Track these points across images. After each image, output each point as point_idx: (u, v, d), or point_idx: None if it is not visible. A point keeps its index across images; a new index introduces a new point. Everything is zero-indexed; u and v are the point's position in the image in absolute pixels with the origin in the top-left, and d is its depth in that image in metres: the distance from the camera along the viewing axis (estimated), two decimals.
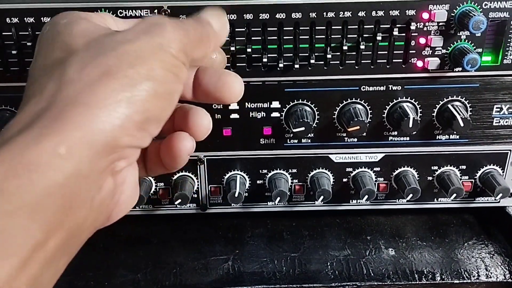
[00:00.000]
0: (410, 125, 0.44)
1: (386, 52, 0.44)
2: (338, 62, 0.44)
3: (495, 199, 0.50)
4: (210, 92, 0.32)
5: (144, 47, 0.26)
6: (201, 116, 0.33)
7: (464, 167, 0.49)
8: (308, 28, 0.43)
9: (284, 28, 0.42)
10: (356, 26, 0.43)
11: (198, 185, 0.50)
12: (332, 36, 0.43)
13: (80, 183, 0.24)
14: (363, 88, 0.45)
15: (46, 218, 0.23)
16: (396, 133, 0.47)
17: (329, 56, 0.43)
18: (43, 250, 0.23)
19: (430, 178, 0.50)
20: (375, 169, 0.49)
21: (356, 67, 0.44)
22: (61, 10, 0.41)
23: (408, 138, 0.48)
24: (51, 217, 0.23)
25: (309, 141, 0.48)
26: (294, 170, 0.49)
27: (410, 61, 0.44)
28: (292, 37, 0.43)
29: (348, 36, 0.43)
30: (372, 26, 0.43)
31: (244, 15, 0.42)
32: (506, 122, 0.47)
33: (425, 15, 0.42)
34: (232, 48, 0.42)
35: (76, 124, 0.24)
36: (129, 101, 0.25)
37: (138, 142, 0.26)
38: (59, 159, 0.23)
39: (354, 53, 0.44)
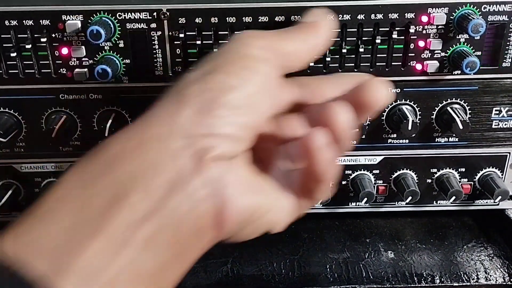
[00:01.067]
0: (409, 128, 0.44)
1: (385, 55, 0.44)
2: (337, 65, 0.44)
3: (494, 202, 0.49)
4: (349, 99, 0.32)
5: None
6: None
7: (463, 169, 0.49)
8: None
9: None
10: (355, 29, 0.43)
11: None
12: (330, 39, 0.43)
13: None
14: None
15: None
16: (395, 135, 0.47)
17: (328, 59, 0.43)
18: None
19: (429, 180, 0.50)
20: (374, 171, 0.49)
21: (355, 70, 0.44)
22: (60, 13, 0.41)
23: (407, 141, 0.48)
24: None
25: None
26: None
27: (409, 64, 0.44)
28: None
29: (347, 39, 0.43)
30: (371, 29, 0.43)
31: (244, 17, 0.42)
32: (505, 124, 0.47)
33: (424, 18, 0.42)
34: None
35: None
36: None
37: (213, 130, 0.28)
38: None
39: (353, 56, 0.44)
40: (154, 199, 0.26)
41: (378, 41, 0.43)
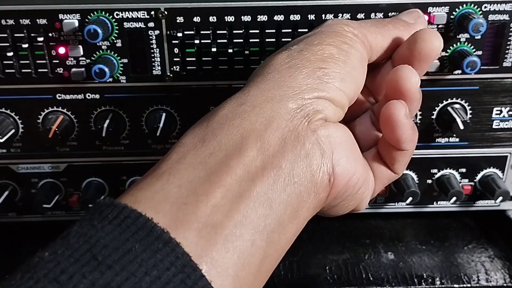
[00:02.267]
0: None
1: None
2: None
3: (495, 203, 0.49)
4: (406, 54, 0.34)
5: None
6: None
7: (463, 170, 0.49)
8: (306, 30, 0.42)
9: (283, 30, 0.42)
10: None
11: None
12: None
13: None
14: None
15: None
16: None
17: None
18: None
19: (429, 181, 0.49)
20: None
21: None
22: (57, 12, 0.41)
23: None
24: None
25: None
26: None
27: None
28: (290, 39, 0.42)
29: None
30: None
31: (242, 16, 0.41)
32: (506, 125, 0.47)
33: (425, 18, 0.42)
34: (230, 51, 0.42)
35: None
36: None
37: (323, 93, 0.31)
38: None
39: None
40: (268, 155, 0.28)
41: None
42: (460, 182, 0.49)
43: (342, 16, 0.42)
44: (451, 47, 0.43)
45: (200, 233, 0.25)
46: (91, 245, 0.23)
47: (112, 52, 0.42)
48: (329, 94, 0.31)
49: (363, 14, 0.42)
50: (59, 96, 0.44)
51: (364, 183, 0.33)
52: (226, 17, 0.41)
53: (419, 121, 0.46)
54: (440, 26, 0.42)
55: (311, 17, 0.42)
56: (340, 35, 0.33)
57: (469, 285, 0.46)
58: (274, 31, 0.42)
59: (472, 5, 0.41)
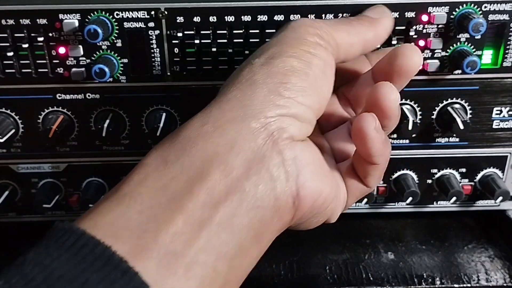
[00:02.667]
0: (410, 128, 0.43)
1: None
2: None
3: (495, 202, 0.49)
4: (386, 68, 0.34)
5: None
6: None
7: (464, 170, 0.49)
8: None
9: None
10: None
11: None
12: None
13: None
14: None
15: None
16: (395, 135, 0.47)
17: None
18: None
19: (429, 181, 0.49)
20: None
21: None
22: (57, 12, 0.41)
23: (407, 141, 0.47)
24: None
25: None
26: None
27: None
28: None
29: None
30: None
31: (242, 16, 0.41)
32: (506, 124, 0.47)
33: (425, 18, 0.42)
34: (230, 51, 0.42)
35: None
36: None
37: (285, 110, 0.30)
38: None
39: None
40: (232, 178, 0.27)
41: None
42: (460, 182, 0.49)
43: (342, 16, 0.42)
44: (451, 47, 0.43)
45: (160, 262, 0.24)
46: (46, 275, 0.22)
47: (112, 52, 0.42)
48: (292, 110, 0.30)
49: None
50: (59, 96, 0.44)
51: (334, 200, 0.33)
52: (226, 17, 0.41)
53: (419, 121, 0.46)
54: (440, 26, 0.42)
55: (311, 17, 0.42)
56: (303, 43, 0.32)
57: (469, 285, 0.46)
58: (274, 31, 0.42)
59: (472, 5, 0.41)
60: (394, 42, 0.42)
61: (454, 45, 0.43)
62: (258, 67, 0.31)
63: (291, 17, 0.41)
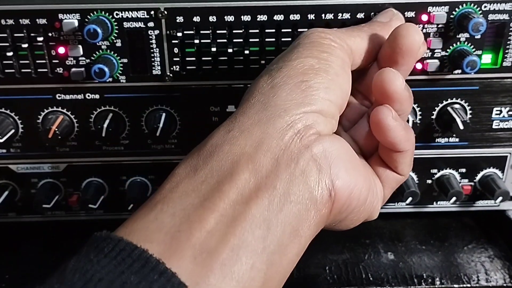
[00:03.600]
0: None
1: None
2: None
3: (494, 203, 0.49)
4: (388, 52, 0.34)
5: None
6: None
7: (463, 170, 0.49)
8: (306, 30, 0.42)
9: (282, 30, 0.42)
10: None
11: None
12: None
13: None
14: None
15: None
16: None
17: None
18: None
19: (429, 181, 0.49)
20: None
21: None
22: (57, 12, 0.41)
23: None
24: None
25: None
26: None
27: None
28: (290, 39, 0.42)
29: None
30: None
31: (242, 16, 0.41)
32: (506, 125, 0.47)
33: (424, 17, 0.42)
34: (230, 50, 0.42)
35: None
36: None
37: (309, 107, 0.30)
38: None
39: None
40: (262, 176, 0.27)
41: None
42: (460, 182, 0.49)
43: (342, 16, 0.42)
44: (451, 47, 0.43)
45: (195, 260, 0.24)
46: (86, 280, 0.23)
47: (112, 52, 0.42)
48: (316, 106, 0.30)
49: (363, 13, 0.42)
50: (59, 96, 0.44)
51: (370, 193, 0.33)
52: (226, 17, 0.41)
53: (419, 121, 0.46)
54: (440, 25, 0.42)
55: (311, 16, 0.42)
56: (318, 45, 0.33)
57: (469, 285, 0.45)
58: (274, 30, 0.42)
59: (472, 4, 0.41)
60: None
61: (454, 45, 0.43)
62: (277, 71, 0.32)
63: (291, 17, 0.41)
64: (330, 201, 0.30)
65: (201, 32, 0.42)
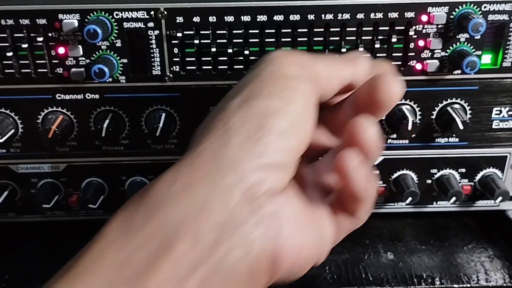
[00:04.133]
0: (409, 128, 0.43)
1: (385, 55, 0.43)
2: None
3: (494, 203, 0.49)
4: (365, 98, 0.31)
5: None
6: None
7: (463, 170, 0.49)
8: (306, 30, 0.42)
9: (282, 30, 0.42)
10: (355, 29, 0.42)
11: None
12: (330, 38, 0.43)
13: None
14: None
15: None
16: (395, 136, 0.47)
17: None
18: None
19: (429, 181, 0.49)
20: (373, 172, 0.49)
21: None
22: (57, 12, 0.41)
23: (407, 141, 0.47)
24: None
25: None
26: None
27: (409, 63, 0.44)
28: (290, 39, 0.43)
29: (347, 38, 0.43)
30: (371, 28, 0.42)
31: (242, 16, 0.41)
32: (506, 125, 0.47)
33: (424, 18, 0.42)
34: (230, 51, 0.42)
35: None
36: None
37: (264, 159, 0.27)
38: None
39: None
40: (203, 246, 0.25)
41: (377, 40, 0.42)
42: (460, 182, 0.49)
43: (342, 16, 0.42)
44: (450, 47, 0.43)
45: None
46: None
47: (112, 52, 0.42)
48: (272, 157, 0.27)
49: (363, 14, 0.42)
50: (58, 96, 0.44)
51: (319, 248, 0.30)
52: (225, 17, 0.41)
53: (419, 121, 0.46)
54: (439, 26, 0.42)
55: (311, 17, 0.42)
56: (281, 78, 0.29)
57: (468, 285, 0.46)
58: (273, 31, 0.42)
59: (472, 5, 0.41)
60: (393, 40, 0.42)
61: (454, 45, 0.43)
62: (233, 110, 0.28)
63: (291, 17, 0.41)
64: (273, 269, 0.27)
65: (201, 32, 0.42)
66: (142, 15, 0.41)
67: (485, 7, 0.41)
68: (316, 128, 0.32)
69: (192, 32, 0.42)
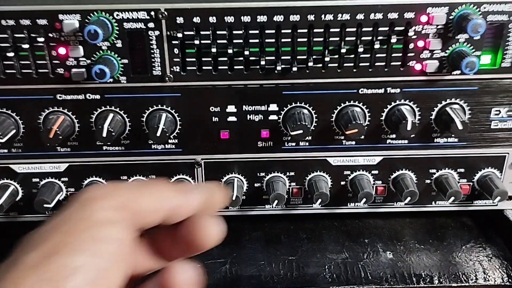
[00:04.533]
0: (408, 128, 0.44)
1: (385, 55, 0.44)
2: (336, 65, 0.44)
3: (493, 202, 0.49)
4: (183, 239, 0.30)
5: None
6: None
7: (462, 170, 0.49)
8: (306, 30, 0.42)
9: (282, 31, 0.42)
10: (355, 29, 0.42)
11: None
12: (330, 39, 0.43)
13: None
14: (361, 91, 0.45)
15: None
16: (394, 136, 0.47)
17: (327, 59, 0.43)
18: None
19: (428, 181, 0.50)
20: (373, 172, 0.49)
21: (354, 70, 0.44)
22: (57, 13, 0.41)
23: (406, 141, 0.48)
24: None
25: (307, 144, 0.48)
26: (292, 173, 0.49)
27: (408, 64, 0.44)
28: (290, 40, 0.43)
29: (346, 38, 0.43)
30: (371, 28, 0.42)
31: (242, 17, 0.42)
32: (504, 125, 0.47)
33: (424, 18, 0.42)
34: (230, 51, 0.42)
35: None
36: None
37: None
38: None
39: (352, 56, 0.43)
40: None
41: (377, 41, 0.42)
42: (459, 182, 0.49)
43: (341, 17, 0.42)
44: (450, 48, 0.43)
45: None
46: None
47: (113, 53, 0.43)
48: None
49: (363, 14, 0.42)
50: (59, 97, 0.44)
51: None
52: (226, 18, 0.42)
53: (418, 121, 0.46)
54: (439, 26, 0.42)
55: (311, 17, 0.42)
56: (90, 226, 0.26)
57: (467, 284, 0.46)
58: (273, 31, 0.42)
59: (471, 5, 0.42)
60: (393, 40, 0.43)
61: (453, 45, 0.43)
62: (29, 268, 0.24)
63: (291, 18, 0.42)
64: None
65: (201, 32, 0.42)
66: (142, 16, 0.41)
67: (484, 7, 0.42)
68: (139, 251, 0.31)
69: (192, 33, 0.42)
